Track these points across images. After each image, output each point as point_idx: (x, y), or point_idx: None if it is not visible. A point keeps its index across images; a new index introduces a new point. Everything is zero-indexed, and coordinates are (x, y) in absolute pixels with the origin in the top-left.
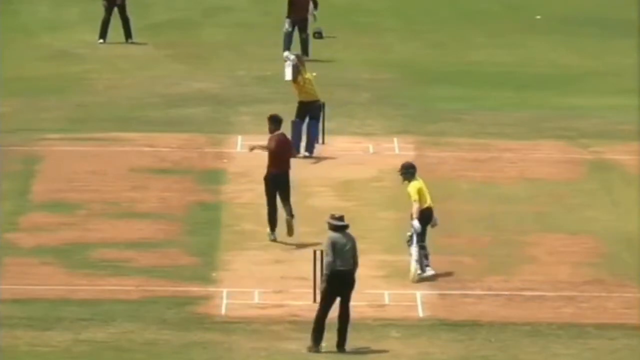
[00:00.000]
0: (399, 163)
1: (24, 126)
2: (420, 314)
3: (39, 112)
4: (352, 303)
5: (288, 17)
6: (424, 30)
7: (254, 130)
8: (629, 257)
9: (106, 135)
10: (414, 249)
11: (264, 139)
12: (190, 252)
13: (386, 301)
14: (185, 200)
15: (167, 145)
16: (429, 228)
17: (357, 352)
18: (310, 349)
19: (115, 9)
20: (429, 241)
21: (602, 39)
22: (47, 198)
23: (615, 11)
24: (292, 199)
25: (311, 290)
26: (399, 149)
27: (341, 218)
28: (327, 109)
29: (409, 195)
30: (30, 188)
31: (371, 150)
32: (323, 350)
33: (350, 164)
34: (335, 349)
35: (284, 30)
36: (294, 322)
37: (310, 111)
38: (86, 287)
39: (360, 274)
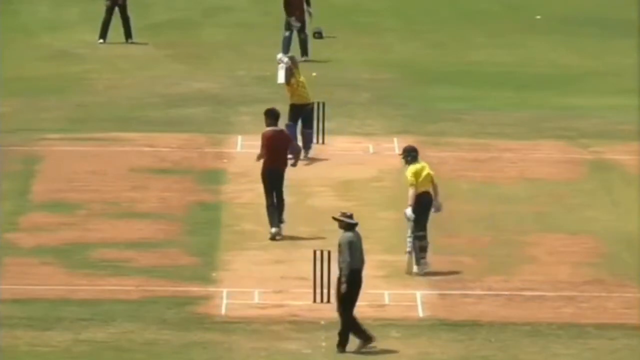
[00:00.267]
0: (399, 163)
1: (24, 126)
2: (420, 314)
3: (39, 112)
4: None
5: (290, 16)
6: (424, 30)
7: (254, 130)
8: (629, 257)
9: (106, 135)
10: (408, 240)
11: None
12: (190, 252)
13: (386, 301)
14: (185, 200)
15: (167, 145)
16: (432, 214)
17: (357, 352)
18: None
19: (116, 9)
20: (429, 240)
21: (602, 39)
22: (47, 198)
23: (615, 11)
24: (292, 199)
25: (311, 290)
26: (399, 149)
27: (352, 216)
28: (327, 109)
29: (406, 179)
30: (30, 188)
31: (371, 150)
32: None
33: (350, 164)
34: (335, 348)
35: (284, 34)
36: (294, 322)
37: (303, 114)
38: (86, 287)
39: None
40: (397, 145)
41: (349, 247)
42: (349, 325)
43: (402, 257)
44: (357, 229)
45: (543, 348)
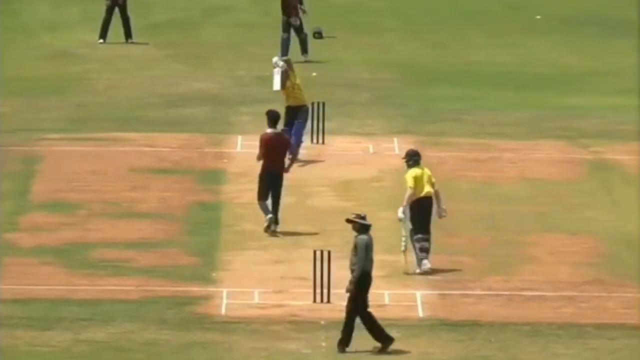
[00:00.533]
0: (399, 163)
1: (24, 126)
2: (420, 314)
3: (39, 112)
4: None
5: (289, 17)
6: (424, 30)
7: (254, 130)
8: (629, 257)
9: (106, 135)
10: (402, 239)
11: None
12: (190, 252)
13: (386, 301)
14: (185, 200)
15: (167, 145)
16: (435, 219)
17: (357, 352)
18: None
19: (116, 9)
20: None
21: (602, 39)
22: (47, 198)
23: (615, 11)
24: (292, 199)
25: (311, 290)
26: (399, 149)
27: (365, 217)
28: (327, 109)
29: (405, 182)
30: (30, 188)
31: (371, 150)
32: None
33: (350, 164)
34: (335, 348)
35: (282, 36)
36: (294, 322)
37: (298, 115)
38: (86, 287)
39: None
40: (397, 145)
41: (366, 249)
42: (372, 319)
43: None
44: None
45: (543, 348)
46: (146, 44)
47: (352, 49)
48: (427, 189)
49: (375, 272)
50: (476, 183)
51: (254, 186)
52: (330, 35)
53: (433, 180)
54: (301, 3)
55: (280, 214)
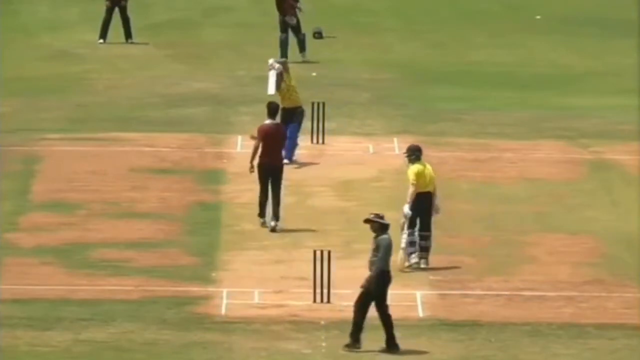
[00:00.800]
0: (399, 163)
1: (24, 126)
2: (420, 314)
3: (39, 112)
4: (353, 303)
5: (284, 16)
6: (424, 30)
7: (254, 131)
8: (629, 257)
9: (106, 135)
10: (404, 236)
11: None
12: (190, 252)
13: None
14: (185, 200)
15: (167, 145)
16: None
17: (357, 352)
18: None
19: (116, 9)
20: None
21: (602, 39)
22: (47, 198)
23: (615, 11)
24: (292, 199)
25: (311, 290)
26: (399, 149)
27: (384, 217)
28: (327, 109)
29: (407, 178)
30: (30, 188)
31: (371, 150)
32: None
33: (350, 164)
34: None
35: (280, 37)
36: (294, 322)
37: (293, 117)
38: (86, 287)
39: (360, 274)
40: (397, 145)
41: (388, 249)
42: (390, 321)
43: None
44: (357, 230)
45: (543, 348)
46: (146, 44)
47: (352, 49)
48: (430, 185)
49: None
50: (476, 183)
51: (254, 186)
52: (330, 35)
53: (434, 176)
54: (297, 1)
55: (280, 214)
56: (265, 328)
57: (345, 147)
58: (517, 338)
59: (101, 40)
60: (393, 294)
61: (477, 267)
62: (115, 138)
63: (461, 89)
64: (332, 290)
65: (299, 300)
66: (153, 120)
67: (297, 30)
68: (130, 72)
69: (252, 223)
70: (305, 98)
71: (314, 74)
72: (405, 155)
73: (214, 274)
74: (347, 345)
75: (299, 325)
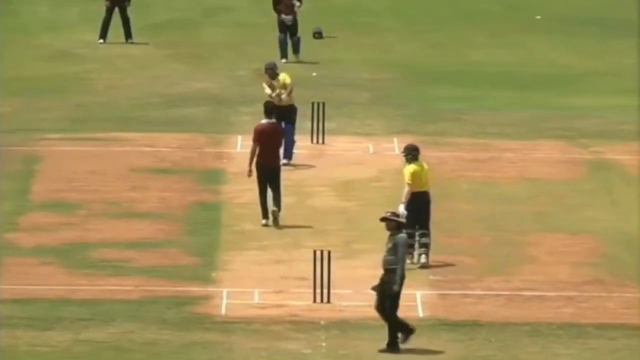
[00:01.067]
0: (399, 163)
1: (24, 126)
2: (420, 314)
3: (39, 112)
4: (353, 303)
5: (279, 14)
6: (424, 30)
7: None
8: (629, 257)
9: (106, 135)
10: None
11: None
12: (190, 252)
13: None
14: (185, 200)
15: (167, 145)
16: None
17: (357, 352)
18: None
19: (116, 9)
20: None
21: (602, 39)
22: (47, 198)
23: (615, 11)
24: (292, 199)
25: (311, 290)
26: (399, 149)
27: (399, 215)
28: (327, 109)
29: (403, 177)
30: (30, 188)
31: (371, 150)
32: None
33: (350, 164)
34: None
35: (279, 37)
36: (294, 322)
37: (286, 117)
38: (86, 287)
39: (360, 274)
40: (397, 145)
41: (405, 248)
42: (397, 323)
43: None
44: (357, 230)
45: (543, 348)
46: (146, 44)
47: (352, 49)
48: (426, 185)
49: (375, 272)
50: (476, 183)
51: (254, 186)
52: (330, 35)
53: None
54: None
55: (281, 213)
56: (265, 328)
57: (345, 147)
58: (517, 338)
59: (101, 40)
60: None
61: (477, 267)
62: (115, 138)
63: (461, 89)
64: (332, 290)
65: (299, 300)
66: (153, 120)
67: (293, 31)
68: (130, 72)
69: (252, 223)
70: (305, 98)
71: (314, 74)
72: (403, 154)
73: (214, 274)
74: (400, 342)
75: (299, 325)
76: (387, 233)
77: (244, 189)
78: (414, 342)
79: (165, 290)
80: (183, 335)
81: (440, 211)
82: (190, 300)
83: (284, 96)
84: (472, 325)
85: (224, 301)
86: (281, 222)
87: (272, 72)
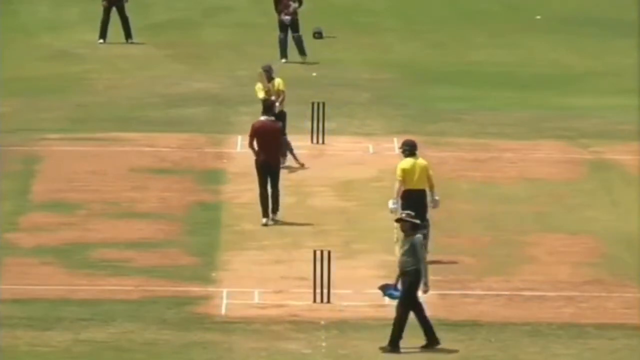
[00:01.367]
0: (398, 163)
1: (24, 126)
2: None
3: (39, 112)
4: (353, 303)
5: (279, 14)
6: (424, 30)
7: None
8: (629, 257)
9: (106, 135)
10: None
11: None
12: (190, 252)
13: (386, 301)
14: (185, 200)
15: (167, 145)
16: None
17: (357, 352)
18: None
19: (114, 9)
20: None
21: (602, 39)
22: (47, 198)
23: (615, 11)
24: (292, 199)
25: (311, 290)
26: (399, 149)
27: (415, 216)
28: (327, 109)
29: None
30: (30, 188)
31: (371, 150)
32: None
33: (350, 164)
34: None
35: (279, 36)
36: (294, 322)
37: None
38: (86, 287)
39: (360, 274)
40: (397, 145)
41: (422, 248)
42: (399, 323)
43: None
44: (357, 230)
45: (543, 348)
46: (146, 44)
47: (352, 49)
48: (419, 181)
49: (375, 272)
50: (476, 183)
51: (254, 186)
52: (330, 35)
53: (430, 172)
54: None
55: (280, 214)
56: (265, 328)
57: (345, 147)
58: (517, 338)
59: (101, 40)
60: None
61: (477, 267)
62: (115, 138)
63: (461, 89)
64: (332, 290)
65: (299, 300)
66: (153, 120)
67: (294, 28)
68: (130, 72)
69: (252, 223)
70: (305, 98)
71: (314, 74)
72: (400, 150)
73: (214, 274)
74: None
75: (299, 325)
76: (388, 233)
77: (244, 189)
78: (414, 342)
79: (165, 290)
80: (183, 335)
81: (440, 211)
82: (190, 300)
83: (277, 104)
84: (472, 325)
85: (224, 301)
86: (281, 221)
87: (268, 75)
